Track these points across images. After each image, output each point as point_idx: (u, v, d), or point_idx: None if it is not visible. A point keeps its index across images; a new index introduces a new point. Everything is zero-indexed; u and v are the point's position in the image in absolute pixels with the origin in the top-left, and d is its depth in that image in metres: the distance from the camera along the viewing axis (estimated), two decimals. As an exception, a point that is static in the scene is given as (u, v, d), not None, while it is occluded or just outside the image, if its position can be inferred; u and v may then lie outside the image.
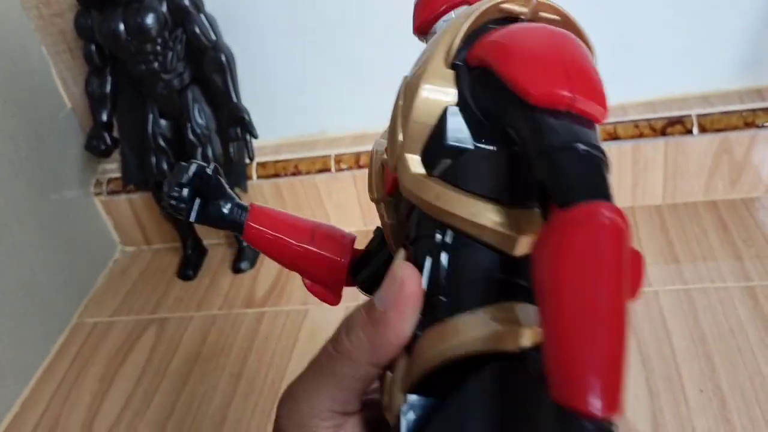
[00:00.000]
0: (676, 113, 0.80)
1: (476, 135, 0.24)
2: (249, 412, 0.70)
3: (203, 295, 0.89)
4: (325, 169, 0.88)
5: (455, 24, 0.24)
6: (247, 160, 0.88)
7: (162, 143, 0.84)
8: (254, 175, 0.90)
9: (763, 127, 0.78)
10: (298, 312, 0.82)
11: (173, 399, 0.74)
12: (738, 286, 0.72)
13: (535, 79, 0.21)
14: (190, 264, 0.93)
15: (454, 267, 0.24)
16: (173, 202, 0.33)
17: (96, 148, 0.86)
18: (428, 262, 0.24)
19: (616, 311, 0.18)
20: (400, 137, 0.25)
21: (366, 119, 0.88)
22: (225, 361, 0.77)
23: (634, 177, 0.84)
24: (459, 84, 0.24)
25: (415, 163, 0.25)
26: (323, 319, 0.80)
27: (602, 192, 0.20)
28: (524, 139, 0.22)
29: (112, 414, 0.74)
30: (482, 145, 0.24)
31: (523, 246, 0.22)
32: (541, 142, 0.21)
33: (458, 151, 0.24)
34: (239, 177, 0.89)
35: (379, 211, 0.31)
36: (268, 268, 0.91)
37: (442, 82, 0.24)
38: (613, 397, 0.17)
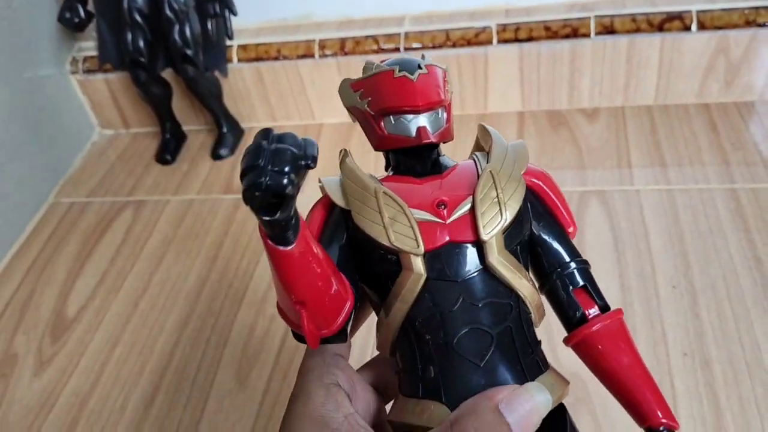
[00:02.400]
0: (676, 8, 0.76)
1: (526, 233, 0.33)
2: (222, 292, 0.70)
3: (181, 179, 0.87)
4: (309, 55, 0.85)
5: (522, 155, 0.33)
6: (227, 41, 0.85)
7: (138, 18, 0.81)
8: (234, 58, 0.87)
9: (764, 26, 0.75)
10: (276, 199, 0.81)
11: (147, 278, 0.74)
12: (721, 188, 0.71)
13: (570, 216, 0.34)
14: (169, 148, 0.91)
15: (531, 332, 0.32)
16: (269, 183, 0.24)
17: (69, 20, 0.82)
18: (514, 324, 0.31)
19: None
20: (506, 216, 0.30)
21: (353, 4, 0.84)
22: (200, 245, 0.77)
23: (627, 75, 0.81)
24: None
25: (501, 240, 0.30)
26: (301, 205, 0.79)
27: None
28: (564, 253, 0.33)
29: (85, 291, 0.74)
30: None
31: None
32: (577, 258, 0.33)
33: (522, 240, 0.32)
34: (219, 59, 0.86)
35: (406, 263, 0.30)
36: (248, 155, 0.89)
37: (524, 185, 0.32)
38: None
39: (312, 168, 0.24)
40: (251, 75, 0.88)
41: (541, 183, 0.33)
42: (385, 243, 0.30)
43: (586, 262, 0.33)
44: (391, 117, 0.32)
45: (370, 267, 0.32)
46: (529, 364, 0.30)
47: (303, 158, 0.24)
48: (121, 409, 0.61)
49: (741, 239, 0.65)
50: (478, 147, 0.36)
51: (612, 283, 0.63)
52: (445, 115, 0.33)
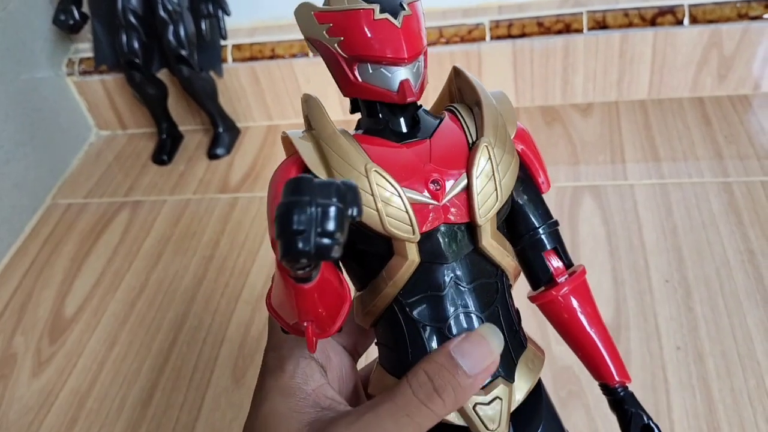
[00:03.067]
0: (668, 2, 0.76)
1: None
2: (219, 292, 0.71)
3: (177, 180, 0.88)
4: (303, 54, 0.85)
5: (510, 114, 0.31)
6: (222, 41, 0.85)
7: (132, 20, 0.81)
8: (229, 58, 0.87)
9: (755, 18, 0.75)
10: (272, 198, 0.81)
11: (144, 278, 0.74)
12: (715, 182, 0.71)
13: (547, 177, 0.32)
14: (165, 149, 0.91)
15: (513, 306, 0.32)
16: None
17: (64, 22, 0.83)
18: (500, 304, 0.31)
19: None
20: (501, 197, 0.29)
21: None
22: (197, 244, 0.77)
23: (620, 70, 0.81)
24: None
25: (495, 221, 0.30)
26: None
27: None
28: (536, 218, 0.32)
29: (83, 291, 0.74)
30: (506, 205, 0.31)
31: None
32: (548, 221, 0.32)
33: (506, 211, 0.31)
34: (214, 59, 0.86)
35: (400, 249, 0.28)
36: (243, 155, 0.89)
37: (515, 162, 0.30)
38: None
39: (357, 219, 0.21)
40: (246, 74, 0.88)
41: (525, 149, 0.31)
42: (379, 230, 0.27)
43: (556, 224, 0.32)
44: (369, 65, 0.28)
45: (355, 248, 0.29)
46: (514, 344, 0.31)
47: (348, 212, 0.21)
48: (119, 408, 0.62)
49: (734, 233, 0.65)
50: (450, 95, 0.33)
51: (605, 277, 0.63)
52: (423, 60, 0.30)
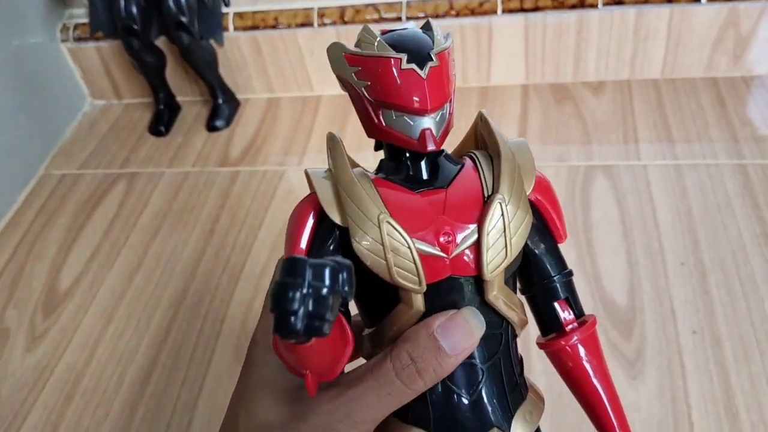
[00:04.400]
0: (686, -22, 0.74)
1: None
2: (220, 268, 0.68)
3: (175, 152, 0.85)
4: (307, 24, 0.82)
5: (529, 166, 0.31)
6: (224, 8, 0.82)
7: (131, -16, 0.78)
8: (231, 26, 0.84)
9: (776, -3, 0.73)
10: (274, 172, 0.79)
11: (142, 252, 0.72)
12: (730, 164, 0.69)
13: (564, 228, 0.32)
14: (162, 120, 0.88)
15: (516, 357, 0.33)
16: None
17: (59, -15, 0.79)
18: (503, 355, 0.31)
19: None
20: (510, 254, 0.29)
21: (353, -29, 0.82)
22: (196, 218, 0.75)
23: (634, 48, 0.79)
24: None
25: (503, 276, 0.30)
26: (301, 181, 0.77)
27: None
28: (551, 266, 0.32)
29: (78, 264, 0.72)
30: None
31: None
32: (564, 271, 0.32)
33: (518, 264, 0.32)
34: (215, 28, 0.83)
35: (407, 299, 0.29)
36: (243, 127, 0.87)
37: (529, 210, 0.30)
38: None
39: (349, 300, 0.23)
40: (248, 44, 0.85)
41: (542, 199, 0.31)
42: (387, 279, 0.28)
43: (570, 274, 0.33)
44: (393, 112, 0.29)
45: (364, 290, 0.30)
46: (513, 395, 0.31)
47: (340, 293, 0.22)
48: (117, 386, 0.60)
49: (750, 216, 0.64)
50: (475, 138, 0.34)
51: (619, 259, 0.62)
52: (449, 107, 0.30)
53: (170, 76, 0.89)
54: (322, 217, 0.30)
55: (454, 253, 0.28)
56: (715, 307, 0.57)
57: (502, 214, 0.29)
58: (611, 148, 0.73)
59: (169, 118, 0.89)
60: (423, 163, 0.31)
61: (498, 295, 0.30)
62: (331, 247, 0.30)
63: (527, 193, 0.30)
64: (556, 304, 0.32)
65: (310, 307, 0.21)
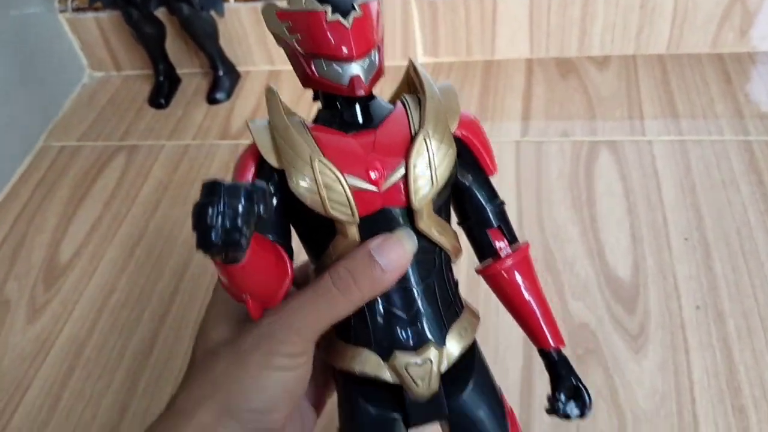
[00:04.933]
0: (694, -49, 0.73)
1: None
2: (221, 240, 0.68)
3: (176, 124, 0.84)
4: (310, -5, 0.81)
5: (454, 106, 0.33)
6: (225, -22, 0.81)
7: (130, -48, 0.77)
8: (232, -3, 0.83)
9: (785, -29, 0.72)
10: (275, 146, 0.78)
11: (143, 225, 0.71)
12: (735, 140, 0.69)
13: (494, 161, 0.34)
14: (162, 92, 0.87)
15: (451, 279, 0.35)
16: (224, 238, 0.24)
17: (57, -47, 0.78)
18: (437, 277, 0.33)
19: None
20: (436, 184, 0.31)
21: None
22: (197, 191, 0.74)
23: (640, 22, 0.78)
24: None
25: (431, 205, 0.32)
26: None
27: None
28: (484, 198, 0.34)
29: (78, 237, 0.72)
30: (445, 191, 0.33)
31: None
32: (495, 201, 0.35)
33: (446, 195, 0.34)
34: (216, -2, 0.82)
35: (342, 230, 0.31)
36: (244, 100, 0.86)
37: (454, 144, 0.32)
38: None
39: (265, 218, 0.25)
40: (248, 15, 0.84)
41: (470, 135, 0.34)
42: (322, 212, 0.30)
43: (502, 204, 0.35)
44: (323, 61, 0.31)
45: (304, 226, 0.33)
46: (448, 313, 0.34)
47: (255, 211, 0.24)
48: (119, 357, 0.60)
49: (755, 192, 0.64)
50: (407, 86, 0.36)
51: (623, 234, 0.62)
52: (377, 54, 0.32)
53: (170, 47, 0.88)
54: (262, 164, 0.31)
55: (384, 187, 0.31)
56: (719, 283, 0.57)
57: (427, 148, 0.31)
58: (616, 124, 0.73)
59: (169, 91, 0.88)
60: (356, 108, 0.33)
61: (428, 222, 0.32)
62: (271, 190, 0.32)
63: (452, 130, 0.32)
64: (489, 233, 0.35)
65: (227, 222, 0.23)
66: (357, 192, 0.30)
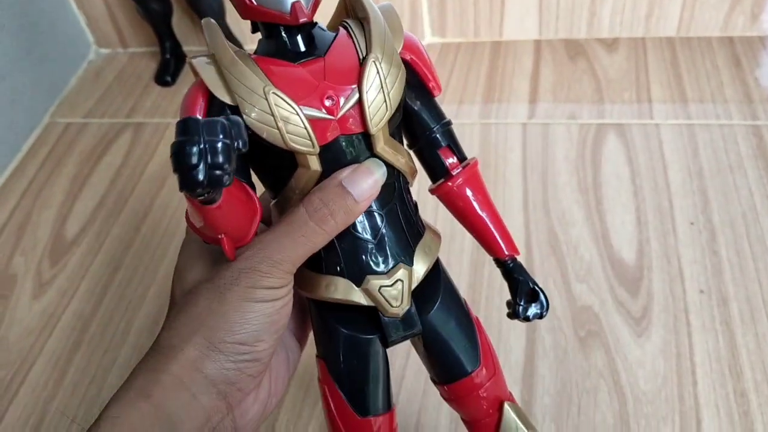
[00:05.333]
0: (707, -68, 0.72)
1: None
2: (226, 219, 0.68)
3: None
4: (317, -27, 0.81)
5: (397, 27, 0.33)
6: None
7: (137, -73, 0.76)
8: (239, -26, 0.82)
9: (799, -46, 0.71)
10: (281, 125, 0.78)
11: (148, 202, 0.72)
12: (743, 124, 0.68)
13: (437, 82, 0.34)
14: (168, 69, 0.87)
15: (411, 201, 0.36)
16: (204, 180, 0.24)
17: (63, -72, 0.77)
18: (399, 201, 0.34)
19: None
20: (390, 108, 0.31)
21: None
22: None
23: (650, 4, 0.78)
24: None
25: (386, 129, 0.32)
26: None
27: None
28: (431, 119, 0.35)
29: (84, 213, 0.72)
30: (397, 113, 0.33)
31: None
32: (442, 121, 0.35)
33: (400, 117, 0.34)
34: (223, -25, 0.81)
35: (303, 162, 0.31)
36: (251, 79, 0.86)
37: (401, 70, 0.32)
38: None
39: (244, 152, 0.25)
40: (256, -7, 0.83)
41: (415, 58, 0.33)
42: (281, 146, 0.30)
43: (448, 123, 0.35)
44: None
45: (261, 160, 0.32)
46: (412, 233, 0.35)
47: (235, 146, 0.24)
48: (124, 333, 0.60)
49: (762, 177, 0.63)
50: (345, 10, 0.35)
51: (629, 217, 0.61)
52: None
53: (176, 24, 0.87)
54: (212, 100, 0.31)
55: (340, 114, 0.31)
56: (723, 267, 0.57)
57: (378, 72, 0.31)
58: (624, 107, 0.72)
59: (175, 68, 0.88)
60: (299, 37, 0.32)
61: (385, 147, 0.32)
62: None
63: (398, 51, 0.32)
64: (439, 152, 0.35)
65: (209, 159, 0.23)
66: (313, 121, 0.30)
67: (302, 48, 0.32)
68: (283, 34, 0.32)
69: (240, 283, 0.30)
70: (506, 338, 0.54)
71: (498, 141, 0.71)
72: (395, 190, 0.34)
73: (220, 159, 0.23)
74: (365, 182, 0.31)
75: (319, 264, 0.34)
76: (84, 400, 0.56)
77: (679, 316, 0.54)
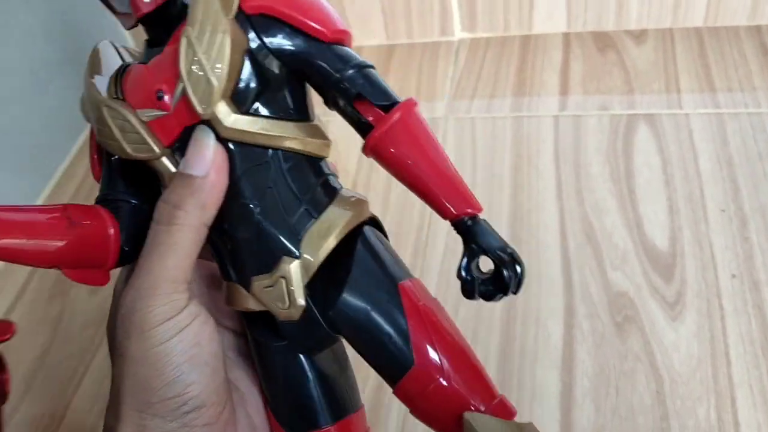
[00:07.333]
0: (733, -77, 0.74)
1: (272, 73, 0.29)
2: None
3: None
4: (350, -27, 0.83)
5: None
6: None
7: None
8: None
9: (826, -58, 0.72)
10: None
11: (195, 199, 0.75)
12: (772, 112, 0.70)
13: (323, 23, 0.28)
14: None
15: (298, 181, 0.30)
16: None
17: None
18: (276, 185, 0.29)
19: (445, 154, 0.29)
20: (215, 83, 0.27)
21: None
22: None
23: (678, -5, 0.79)
24: (244, 29, 0.28)
25: (229, 106, 0.28)
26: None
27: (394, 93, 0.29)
28: (331, 67, 0.29)
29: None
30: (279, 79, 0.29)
31: (330, 149, 0.31)
32: (349, 64, 0.29)
33: (264, 89, 0.29)
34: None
35: (158, 167, 0.29)
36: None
37: (234, 31, 0.27)
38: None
39: None
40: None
41: (267, 4, 0.28)
42: (128, 157, 0.29)
43: (357, 66, 0.29)
44: None
45: (134, 176, 0.31)
46: (300, 218, 0.30)
47: None
48: (179, 324, 0.63)
49: (792, 164, 0.65)
50: None
51: (660, 206, 0.63)
52: None
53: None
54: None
55: (173, 107, 0.28)
56: (755, 253, 0.59)
57: (190, 45, 0.27)
58: (653, 97, 0.74)
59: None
60: (158, 29, 0.30)
61: (234, 127, 0.28)
62: (102, 151, 0.32)
63: (233, 10, 0.27)
64: (354, 105, 0.29)
65: None
66: (154, 122, 0.28)
67: (154, 42, 0.30)
68: (145, 26, 0.30)
69: (132, 333, 0.27)
70: (544, 324, 0.57)
71: (530, 133, 0.73)
72: (270, 171, 0.29)
73: None
74: (199, 154, 0.28)
75: (221, 271, 0.31)
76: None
77: (712, 300, 0.56)
